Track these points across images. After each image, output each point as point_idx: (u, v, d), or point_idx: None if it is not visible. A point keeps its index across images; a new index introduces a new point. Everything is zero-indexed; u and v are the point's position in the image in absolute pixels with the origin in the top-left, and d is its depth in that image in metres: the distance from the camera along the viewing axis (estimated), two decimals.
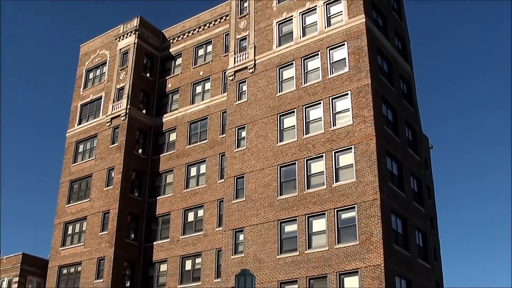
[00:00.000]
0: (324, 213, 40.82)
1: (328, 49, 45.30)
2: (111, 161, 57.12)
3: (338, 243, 39.57)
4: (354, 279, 38.26)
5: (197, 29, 60.12)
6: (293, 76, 46.41)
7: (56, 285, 56.53)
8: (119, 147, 56.89)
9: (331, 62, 44.89)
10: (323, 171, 42.04)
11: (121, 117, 57.89)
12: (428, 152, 73.44)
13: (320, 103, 44.10)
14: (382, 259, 37.40)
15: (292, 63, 46.83)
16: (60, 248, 57.69)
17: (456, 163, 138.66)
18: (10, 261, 59.52)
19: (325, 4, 46.93)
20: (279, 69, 47.47)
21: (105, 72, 62.78)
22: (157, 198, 56.25)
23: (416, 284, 41.49)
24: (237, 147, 47.48)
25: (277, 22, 49.26)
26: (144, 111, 60.00)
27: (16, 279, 58.47)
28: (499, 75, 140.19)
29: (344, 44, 44.59)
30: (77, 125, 62.43)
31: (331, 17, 46.44)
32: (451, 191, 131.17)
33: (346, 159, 41.44)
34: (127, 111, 57.70)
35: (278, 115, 45.90)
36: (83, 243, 56.02)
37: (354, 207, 39.70)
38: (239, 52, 50.72)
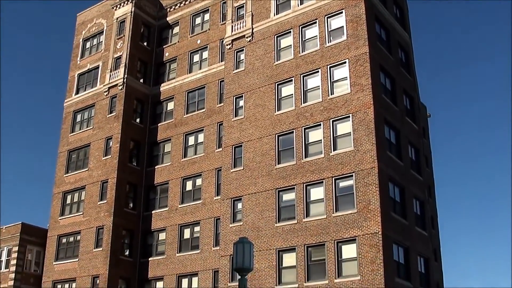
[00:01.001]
0: (322, 182, 40.94)
1: (326, 17, 45.00)
2: (109, 130, 57.09)
3: (336, 211, 39.75)
4: (352, 246, 38.50)
5: None
6: (290, 45, 46.18)
7: (55, 254, 56.89)
8: (117, 116, 56.81)
9: (329, 30, 44.64)
10: (321, 140, 42.06)
11: (119, 86, 57.72)
12: (426, 121, 73.37)
13: (318, 71, 43.96)
14: (380, 227, 37.61)
15: (290, 32, 46.56)
16: (59, 218, 57.92)
17: (454, 132, 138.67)
18: (10, 231, 59.70)
19: None
20: (277, 37, 47.22)
21: (102, 41, 62.44)
22: (155, 167, 56.33)
23: (414, 251, 41.78)
24: (235, 116, 47.43)
25: None
26: (141, 80, 59.79)
27: (16, 248, 58.68)
28: (499, 45, 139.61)
29: (342, 12, 44.30)
30: (75, 95, 62.27)
31: None
32: (448, 159, 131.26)
33: (344, 127, 41.43)
34: (125, 80, 57.50)
35: (276, 84, 45.77)
36: (82, 213, 56.23)
37: (352, 176, 39.80)
38: (237, 21, 50.41)
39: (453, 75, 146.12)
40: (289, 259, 41.04)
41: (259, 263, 41.29)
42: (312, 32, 45.55)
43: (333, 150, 41.17)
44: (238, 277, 16.91)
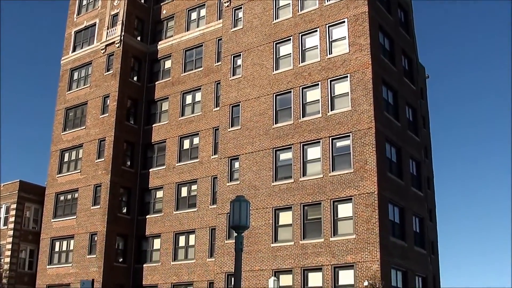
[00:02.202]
0: (319, 141, 41.05)
1: None
2: (106, 88, 56.96)
3: (332, 170, 39.96)
4: (348, 206, 38.81)
5: None
6: (289, 3, 45.81)
7: (53, 212, 57.23)
8: (114, 74, 56.62)
9: None
10: (318, 100, 42.05)
11: (116, 44, 57.38)
12: (424, 82, 73.17)
13: (316, 30, 43.72)
14: (376, 186, 37.86)
15: None
16: (57, 175, 58.12)
17: (452, 93, 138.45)
18: (8, 188, 59.96)
19: None
20: None
21: None
22: (153, 125, 56.36)
23: (409, 211, 42.13)
24: (233, 75, 47.30)
25: None
26: (138, 38, 59.43)
27: (14, 206, 59.00)
28: (501, 9, 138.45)
29: None
30: (72, 52, 61.89)
31: None
32: (446, 121, 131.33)
33: (342, 87, 41.38)
34: (122, 38, 57.14)
35: (274, 42, 45.54)
36: (79, 170, 56.43)
37: (349, 135, 39.91)
38: None
39: (453, 36, 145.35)
40: (285, 218, 41.39)
41: (256, 221, 41.64)
42: None
43: (331, 110, 41.20)
44: (235, 234, 17.06)
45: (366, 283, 35.31)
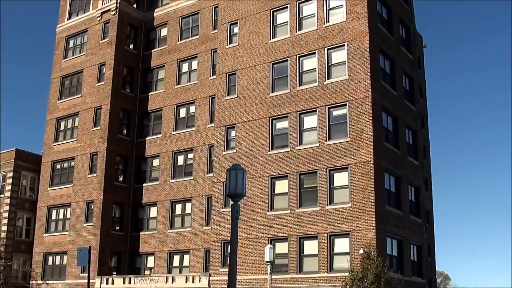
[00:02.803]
0: (316, 110, 41.02)
1: None
2: (102, 56, 56.66)
3: (328, 139, 39.99)
4: (344, 175, 38.93)
5: None
6: None
7: (50, 180, 57.33)
8: (110, 42, 56.29)
9: None
10: (315, 68, 41.91)
11: (112, 11, 56.92)
12: (422, 51, 72.89)
13: None
14: (372, 155, 37.94)
15: None
16: (53, 144, 58.10)
17: (449, 63, 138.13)
18: (4, 157, 59.88)
19: None
20: None
21: None
22: (149, 94, 56.22)
23: (405, 180, 42.28)
24: (229, 43, 47.05)
25: None
26: (134, 6, 58.94)
27: (10, 174, 59.01)
28: None
29: None
30: (67, 20, 61.39)
31: None
32: (443, 90, 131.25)
33: (339, 56, 41.23)
34: (118, 5, 56.65)
35: (271, 10, 45.21)
36: (76, 139, 56.39)
37: (345, 104, 39.87)
38: None
39: (450, 5, 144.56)
40: (281, 186, 41.53)
41: (252, 190, 41.76)
42: None
43: (327, 79, 41.10)
44: (231, 202, 17.13)
45: (361, 251, 35.56)
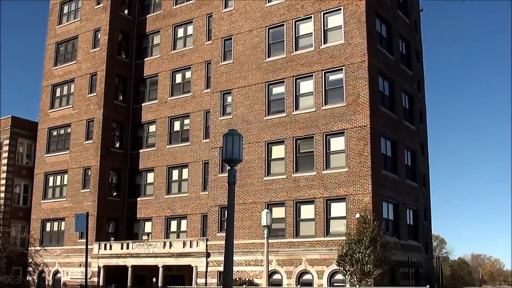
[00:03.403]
0: (312, 75, 40.92)
1: None
2: (96, 22, 56.23)
3: (325, 104, 39.97)
4: (340, 139, 38.98)
5: None
6: None
7: (46, 147, 57.35)
8: (105, 7, 55.81)
9: None
10: (311, 33, 41.68)
11: None
12: (418, 15, 72.39)
13: None
14: (368, 120, 37.95)
15: None
16: (49, 111, 57.98)
17: (446, 26, 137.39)
18: (0, 124, 59.75)
19: None
20: None
21: None
22: (144, 59, 55.95)
23: (401, 144, 42.36)
24: (225, 8, 46.70)
25: None
26: None
27: (7, 141, 58.91)
28: None
29: None
30: None
31: None
32: (439, 55, 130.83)
33: (335, 20, 40.96)
34: None
35: None
36: (71, 105, 56.27)
37: (342, 69, 39.75)
38: None
39: None
40: (278, 151, 41.63)
41: (249, 155, 41.85)
42: None
43: (324, 43, 40.91)
44: (228, 168, 17.16)
45: (357, 215, 35.78)
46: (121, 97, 55.84)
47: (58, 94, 58.36)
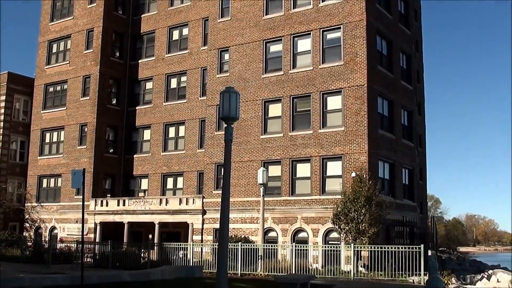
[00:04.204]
0: (310, 33, 40.66)
1: None
2: None
3: (322, 63, 39.82)
4: (337, 98, 38.94)
5: None
6: None
7: (43, 103, 57.22)
8: None
9: None
10: None
11: None
12: None
13: None
14: (366, 79, 37.87)
15: None
16: (46, 67, 57.69)
17: None
18: None
19: None
20: None
21: None
22: (142, 15, 55.46)
23: (398, 104, 42.33)
24: None
25: None
26: None
27: (3, 97, 58.67)
28: None
29: None
30: None
31: None
32: (438, 13, 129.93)
33: None
34: None
35: None
36: (68, 61, 55.96)
37: (340, 28, 39.48)
38: None
39: None
40: (274, 110, 41.61)
41: (245, 113, 41.82)
42: None
43: (322, 1, 40.54)
44: (224, 125, 17.17)
45: (353, 174, 35.93)
46: (118, 54, 55.52)
47: (54, 50, 58.00)
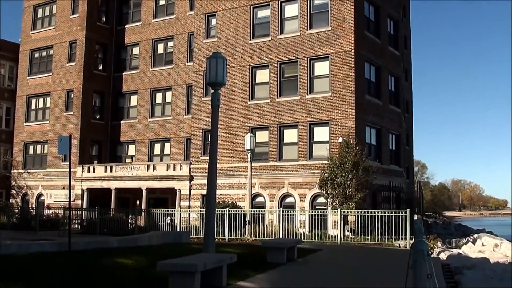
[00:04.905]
0: None
1: None
2: None
3: (310, 28, 39.65)
4: (325, 64, 38.87)
5: None
6: None
7: (28, 69, 56.76)
8: None
9: None
10: None
11: None
12: None
13: None
14: (353, 45, 37.78)
15: None
16: (31, 32, 57.09)
17: None
18: None
19: None
20: None
21: None
22: None
23: (385, 70, 42.31)
24: None
25: None
26: None
27: None
28: None
29: None
30: None
31: None
32: None
33: None
34: None
35: None
36: (54, 27, 55.39)
37: None
38: None
39: None
40: (262, 76, 41.50)
41: (233, 79, 41.70)
42: None
43: None
44: (211, 91, 17.13)
45: (340, 140, 36.01)
46: (104, 19, 54.96)
47: (40, 15, 57.34)
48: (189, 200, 43.71)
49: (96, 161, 51.75)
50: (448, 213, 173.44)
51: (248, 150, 34.71)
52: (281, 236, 30.89)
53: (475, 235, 41.97)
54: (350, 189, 33.24)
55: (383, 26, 42.85)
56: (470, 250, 30.39)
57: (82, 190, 49.41)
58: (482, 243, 34.36)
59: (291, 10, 40.81)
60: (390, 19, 44.48)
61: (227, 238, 32.11)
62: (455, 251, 28.45)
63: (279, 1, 41.07)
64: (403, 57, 49.77)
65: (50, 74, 54.74)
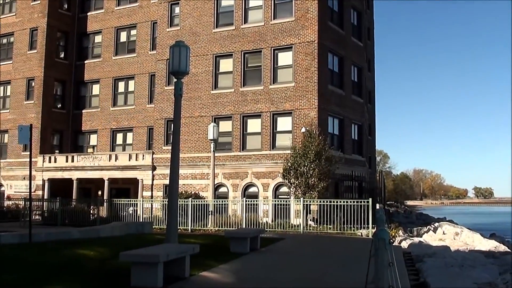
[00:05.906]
0: None
1: None
2: None
3: (273, 18, 39.62)
4: (288, 54, 38.92)
5: None
6: None
7: None
8: None
9: None
10: None
11: None
12: None
13: None
14: (316, 35, 37.88)
15: None
16: None
17: None
18: None
19: None
20: None
21: None
22: None
23: (348, 60, 42.51)
24: None
25: None
26: None
27: None
28: None
29: None
30: None
31: None
32: None
33: None
34: None
35: None
36: (14, 13, 54.47)
37: None
38: None
39: None
40: (225, 65, 41.39)
41: (196, 68, 41.52)
42: None
43: None
44: (174, 80, 17.03)
45: (303, 130, 36.15)
46: (66, 6, 54.21)
47: (0, 1, 56.31)
48: (152, 190, 43.51)
49: (57, 151, 51.15)
50: (409, 202, 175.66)
51: (211, 140, 34.56)
52: (244, 226, 30.92)
53: (436, 224, 42.51)
54: (313, 179, 33.40)
55: (347, 17, 43.02)
56: (431, 238, 30.73)
57: (43, 181, 48.79)
58: (443, 232, 34.81)
59: (255, 0, 40.72)
60: (353, 10, 44.65)
61: (190, 229, 32.03)
62: (416, 239, 28.75)
63: None
64: (366, 48, 50.07)
65: (11, 62, 53.86)
